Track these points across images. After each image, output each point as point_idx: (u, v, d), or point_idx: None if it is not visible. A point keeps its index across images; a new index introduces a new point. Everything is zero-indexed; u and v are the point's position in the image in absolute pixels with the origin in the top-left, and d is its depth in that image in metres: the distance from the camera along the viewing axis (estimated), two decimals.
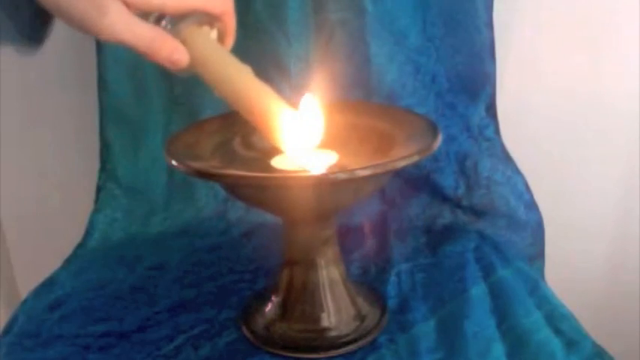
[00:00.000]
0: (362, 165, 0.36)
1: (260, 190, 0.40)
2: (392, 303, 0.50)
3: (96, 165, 0.68)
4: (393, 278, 0.54)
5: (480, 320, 0.47)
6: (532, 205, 0.63)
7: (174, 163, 0.39)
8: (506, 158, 0.64)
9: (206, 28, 0.39)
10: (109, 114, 0.66)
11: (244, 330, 0.47)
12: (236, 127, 0.47)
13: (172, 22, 0.38)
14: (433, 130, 0.41)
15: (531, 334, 0.45)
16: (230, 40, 0.41)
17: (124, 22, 0.35)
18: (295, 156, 0.41)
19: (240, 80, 0.38)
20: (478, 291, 0.51)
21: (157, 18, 0.38)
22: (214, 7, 0.39)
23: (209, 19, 0.39)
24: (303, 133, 0.40)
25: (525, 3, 0.64)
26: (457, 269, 0.54)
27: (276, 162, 0.44)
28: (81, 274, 0.58)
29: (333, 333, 0.45)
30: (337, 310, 0.46)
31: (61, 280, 0.57)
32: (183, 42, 0.37)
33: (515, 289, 0.51)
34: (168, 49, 0.37)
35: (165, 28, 0.37)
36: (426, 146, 0.39)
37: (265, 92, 0.39)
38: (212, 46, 0.39)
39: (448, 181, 0.64)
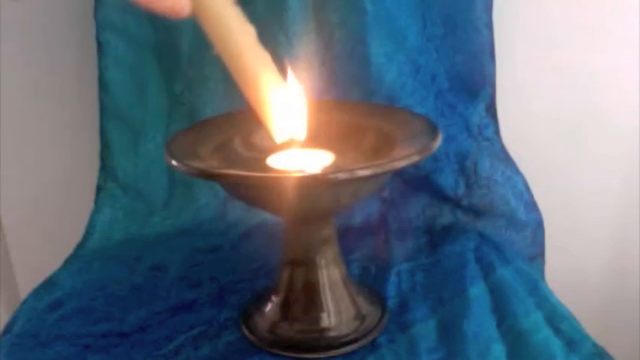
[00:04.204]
0: (361, 165, 0.36)
1: (260, 190, 0.40)
2: (392, 303, 0.50)
3: (96, 165, 0.68)
4: (393, 278, 0.54)
5: (480, 320, 0.47)
6: (532, 205, 0.63)
7: (174, 163, 0.39)
8: (506, 158, 0.64)
9: None
10: (109, 114, 0.66)
11: (244, 330, 0.47)
12: (236, 127, 0.47)
13: None
14: (433, 130, 0.41)
15: (531, 334, 0.45)
16: None
17: None
18: (292, 155, 0.41)
19: (240, 40, 0.37)
20: (478, 291, 0.51)
21: None
22: None
23: None
24: (291, 114, 0.39)
25: (525, 3, 0.64)
26: (457, 269, 0.55)
27: (274, 162, 0.44)
28: (81, 274, 0.58)
29: (333, 333, 0.45)
30: (337, 310, 0.46)
31: (61, 280, 0.57)
32: None
33: (516, 289, 0.51)
34: (168, 4, 0.34)
35: None
36: (426, 146, 0.39)
37: (263, 59, 0.37)
38: (216, 12, 0.36)
39: (448, 181, 0.64)
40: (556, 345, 0.44)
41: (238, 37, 0.37)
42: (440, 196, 0.64)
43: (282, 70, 0.40)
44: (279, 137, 0.39)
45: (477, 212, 0.63)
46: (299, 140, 0.41)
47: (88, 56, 0.66)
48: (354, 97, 0.62)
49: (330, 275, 0.45)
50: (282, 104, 0.38)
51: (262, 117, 0.38)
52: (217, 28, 0.37)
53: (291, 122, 0.39)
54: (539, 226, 0.64)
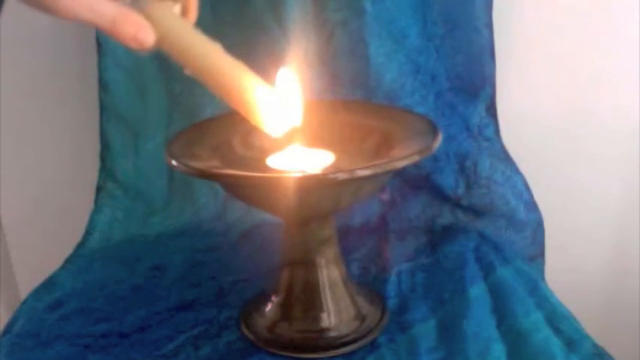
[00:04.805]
0: (361, 165, 0.36)
1: (260, 190, 0.40)
2: (392, 303, 0.50)
3: (96, 165, 0.68)
4: (393, 278, 0.54)
5: (480, 320, 0.47)
6: (532, 205, 0.63)
7: (174, 163, 0.39)
8: (506, 158, 0.64)
9: (169, 3, 0.37)
10: (109, 114, 0.66)
11: (244, 330, 0.47)
12: (236, 127, 0.47)
13: None
14: (433, 130, 0.41)
15: (531, 334, 0.45)
16: (193, 15, 0.39)
17: (83, 4, 0.33)
18: (292, 155, 0.41)
19: (211, 56, 0.37)
20: (478, 291, 0.51)
21: None
22: None
23: None
24: (281, 108, 0.38)
25: (525, 4, 0.64)
26: (457, 269, 0.55)
27: (274, 162, 0.44)
28: (81, 274, 0.58)
29: (333, 333, 0.45)
30: (337, 310, 0.46)
31: (61, 280, 0.57)
32: (147, 18, 0.35)
33: (515, 289, 0.51)
34: (133, 27, 0.34)
35: (125, 3, 0.35)
36: (426, 146, 0.39)
37: (238, 68, 0.37)
38: (178, 21, 0.37)
39: (448, 180, 0.64)
40: (556, 345, 0.44)
41: (208, 54, 0.37)
42: (440, 196, 0.64)
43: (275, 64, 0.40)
44: (275, 133, 0.39)
45: (476, 212, 0.63)
46: (297, 128, 0.40)
47: (88, 56, 0.66)
48: (354, 96, 0.62)
49: (330, 275, 0.45)
50: (269, 100, 0.37)
51: (253, 119, 0.38)
52: (185, 51, 0.37)
53: (283, 114, 0.39)
54: (539, 226, 0.64)
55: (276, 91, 0.38)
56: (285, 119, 0.39)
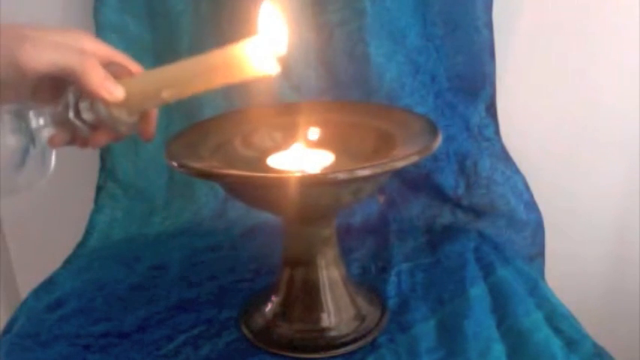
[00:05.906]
0: (361, 165, 0.36)
1: (260, 190, 0.40)
2: (392, 303, 0.50)
3: (96, 165, 0.68)
4: (393, 278, 0.54)
5: (480, 320, 0.47)
6: (532, 205, 0.63)
7: (174, 163, 0.39)
8: (506, 158, 0.64)
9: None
10: None
11: (244, 330, 0.47)
12: (236, 127, 0.47)
13: None
14: (433, 130, 0.41)
15: (531, 333, 0.45)
16: None
17: (49, 44, 0.34)
18: (293, 155, 0.41)
19: (182, 67, 0.39)
20: (478, 291, 0.51)
21: None
22: (130, 62, 0.39)
23: (125, 73, 0.39)
24: (266, 45, 0.37)
25: (525, 3, 0.64)
26: (457, 269, 0.55)
27: (274, 162, 0.44)
28: (81, 274, 0.58)
29: (333, 333, 0.45)
30: (337, 310, 0.46)
31: (61, 280, 0.57)
32: None
33: (515, 289, 0.51)
34: (101, 75, 0.36)
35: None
36: (425, 146, 0.39)
37: (207, 55, 0.38)
38: (142, 74, 0.40)
39: (448, 180, 0.64)
40: (556, 345, 0.44)
41: (179, 69, 0.39)
42: (440, 196, 0.64)
43: None
44: (273, 70, 0.37)
45: (477, 212, 0.63)
46: (283, 56, 0.38)
47: None
48: (354, 97, 0.62)
49: (330, 275, 0.45)
50: (250, 47, 0.36)
51: (250, 73, 0.37)
52: (160, 80, 0.39)
53: (271, 48, 0.37)
54: (539, 226, 0.64)
55: (252, 38, 0.37)
56: (273, 51, 0.37)
